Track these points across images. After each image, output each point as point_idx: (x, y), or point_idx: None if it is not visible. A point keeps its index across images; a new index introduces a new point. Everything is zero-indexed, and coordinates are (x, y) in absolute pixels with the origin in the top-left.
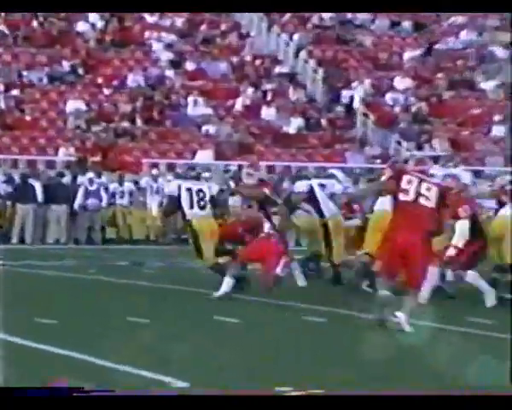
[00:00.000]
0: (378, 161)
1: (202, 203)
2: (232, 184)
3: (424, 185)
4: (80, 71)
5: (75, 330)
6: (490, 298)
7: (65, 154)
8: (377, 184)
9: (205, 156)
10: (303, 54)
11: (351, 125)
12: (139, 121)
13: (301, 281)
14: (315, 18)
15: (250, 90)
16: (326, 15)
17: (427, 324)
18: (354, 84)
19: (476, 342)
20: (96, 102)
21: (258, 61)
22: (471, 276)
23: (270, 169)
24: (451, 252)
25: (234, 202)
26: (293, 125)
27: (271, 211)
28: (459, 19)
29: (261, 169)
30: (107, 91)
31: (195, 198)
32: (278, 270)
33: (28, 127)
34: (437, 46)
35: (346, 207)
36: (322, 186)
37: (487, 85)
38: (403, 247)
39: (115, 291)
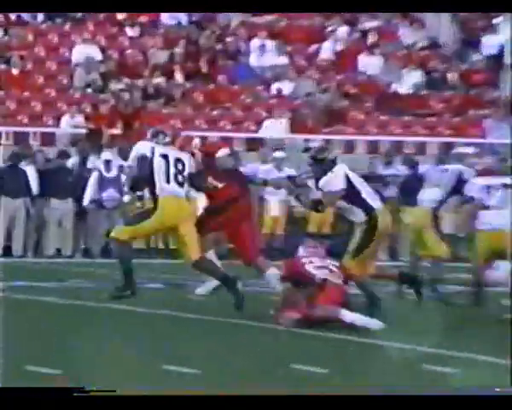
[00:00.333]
0: None
1: (180, 178)
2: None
3: None
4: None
5: (86, 383)
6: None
7: (70, 124)
8: None
9: (276, 128)
10: None
11: (494, 82)
12: (179, 76)
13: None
14: None
15: (343, 30)
16: None
17: None
18: (501, 25)
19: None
20: (115, 48)
21: None
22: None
23: (373, 146)
24: None
25: None
26: (408, 81)
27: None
28: None
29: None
30: (131, 32)
31: (172, 170)
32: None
33: (16, 85)
34: None
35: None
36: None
37: None
38: None
39: (146, 327)
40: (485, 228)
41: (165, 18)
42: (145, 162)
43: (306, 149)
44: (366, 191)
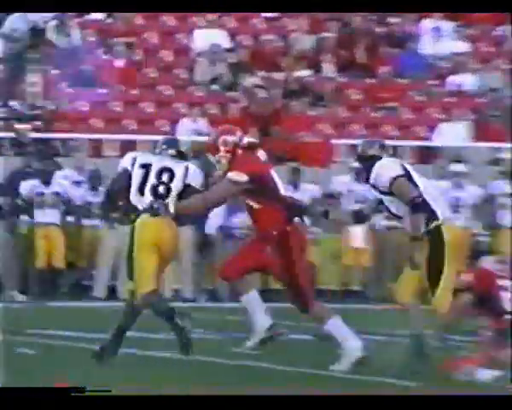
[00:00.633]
0: None
1: (161, 190)
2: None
3: None
4: None
5: None
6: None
7: (190, 130)
8: None
9: (454, 133)
10: None
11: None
12: (328, 68)
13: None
14: None
15: None
16: None
17: None
18: None
19: None
20: (247, 33)
21: None
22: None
23: None
24: None
25: None
26: None
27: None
28: None
29: None
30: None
31: (153, 180)
32: None
33: (122, 81)
34: None
35: None
36: None
37: None
38: None
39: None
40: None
41: None
42: (125, 176)
43: (494, 162)
44: (429, 192)
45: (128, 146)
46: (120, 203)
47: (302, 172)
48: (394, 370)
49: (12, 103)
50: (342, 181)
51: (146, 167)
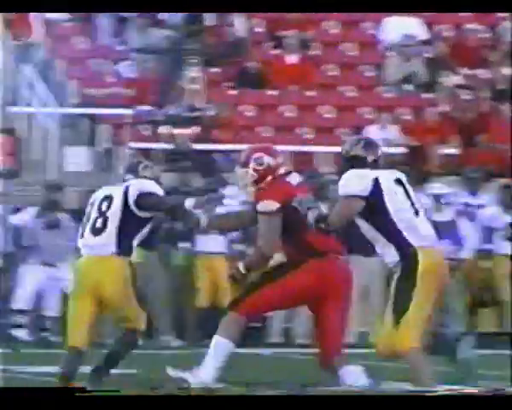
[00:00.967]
0: None
1: (99, 223)
2: None
3: None
4: None
5: None
6: None
7: (380, 138)
8: None
9: None
10: None
11: None
12: None
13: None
14: None
15: None
16: None
17: None
18: None
19: None
20: (448, 23)
21: None
22: None
23: None
24: None
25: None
26: None
27: None
28: None
29: None
30: None
31: (94, 214)
32: None
33: (294, 80)
34: None
35: None
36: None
37: None
38: None
39: None
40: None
41: None
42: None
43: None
44: (403, 215)
45: (303, 158)
46: None
47: None
48: None
49: (165, 106)
50: None
51: (92, 205)
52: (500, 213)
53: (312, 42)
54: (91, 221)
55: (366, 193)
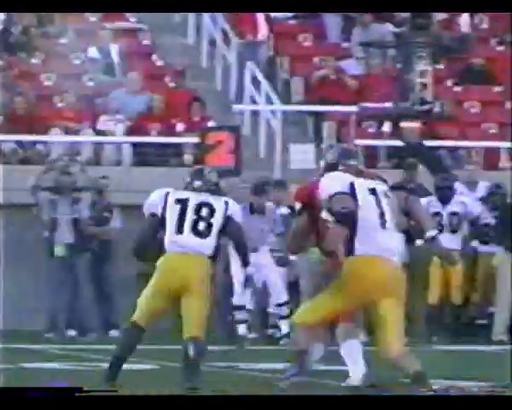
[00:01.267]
0: None
1: (202, 227)
2: None
3: None
4: None
5: None
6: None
7: None
8: None
9: None
10: None
11: None
12: None
13: None
14: None
15: None
16: None
17: None
18: None
19: None
20: None
21: None
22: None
23: None
24: None
25: None
26: None
27: None
28: None
29: None
30: None
31: (191, 216)
32: None
33: None
34: None
35: None
36: None
37: None
38: None
39: None
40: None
41: None
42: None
43: None
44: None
45: None
46: None
47: None
48: None
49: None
50: None
51: (182, 202)
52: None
53: None
54: (191, 223)
55: (346, 190)
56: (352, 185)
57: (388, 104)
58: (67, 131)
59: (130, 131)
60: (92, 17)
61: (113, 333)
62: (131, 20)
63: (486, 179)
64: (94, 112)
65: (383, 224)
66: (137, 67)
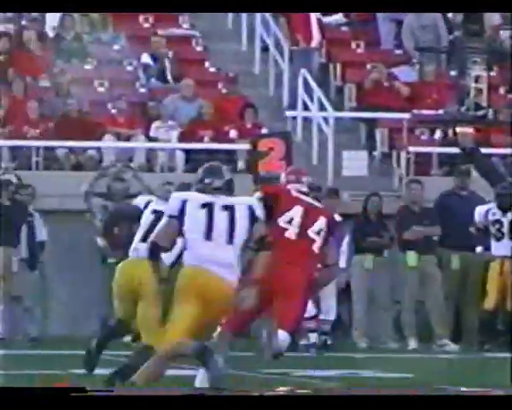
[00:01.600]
0: None
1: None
2: None
3: None
4: None
5: None
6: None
7: None
8: None
9: None
10: None
11: None
12: None
13: None
14: None
15: None
16: None
17: None
18: None
19: None
20: None
21: None
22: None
23: None
24: None
25: None
26: None
27: None
28: None
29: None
30: None
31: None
32: None
33: None
34: None
35: None
36: None
37: None
38: None
39: None
40: None
41: None
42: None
43: None
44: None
45: None
46: None
47: None
48: None
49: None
50: None
51: (157, 213)
52: None
53: None
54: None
55: (175, 213)
56: (183, 202)
57: (441, 111)
58: (120, 138)
59: (182, 138)
60: (145, 23)
61: None
62: (184, 26)
63: None
64: (146, 118)
65: (208, 237)
66: (190, 74)
